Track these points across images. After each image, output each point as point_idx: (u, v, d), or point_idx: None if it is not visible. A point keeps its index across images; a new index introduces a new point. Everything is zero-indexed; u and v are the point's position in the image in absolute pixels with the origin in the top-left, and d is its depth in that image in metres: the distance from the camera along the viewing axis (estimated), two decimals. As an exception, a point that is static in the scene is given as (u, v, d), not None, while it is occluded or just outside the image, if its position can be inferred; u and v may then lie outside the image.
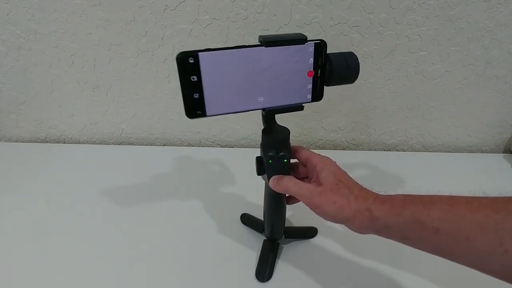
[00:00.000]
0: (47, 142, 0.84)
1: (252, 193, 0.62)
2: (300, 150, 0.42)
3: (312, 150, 0.41)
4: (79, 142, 0.83)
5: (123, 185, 0.66)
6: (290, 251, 0.52)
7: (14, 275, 0.49)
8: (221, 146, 0.82)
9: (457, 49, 0.64)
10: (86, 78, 0.72)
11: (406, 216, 0.32)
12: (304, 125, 0.77)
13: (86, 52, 0.69)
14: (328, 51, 0.36)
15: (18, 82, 0.74)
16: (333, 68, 0.37)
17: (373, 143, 0.80)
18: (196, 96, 0.34)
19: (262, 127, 0.41)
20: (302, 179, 0.40)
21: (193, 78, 0.33)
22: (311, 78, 0.37)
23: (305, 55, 0.35)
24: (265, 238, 0.52)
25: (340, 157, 0.42)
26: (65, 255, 0.52)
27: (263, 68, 0.35)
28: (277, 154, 0.40)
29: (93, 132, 0.82)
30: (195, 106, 0.34)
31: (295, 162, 0.43)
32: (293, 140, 0.40)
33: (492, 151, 0.79)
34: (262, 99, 0.36)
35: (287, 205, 0.47)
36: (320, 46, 0.35)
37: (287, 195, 0.45)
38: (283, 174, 0.40)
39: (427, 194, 0.33)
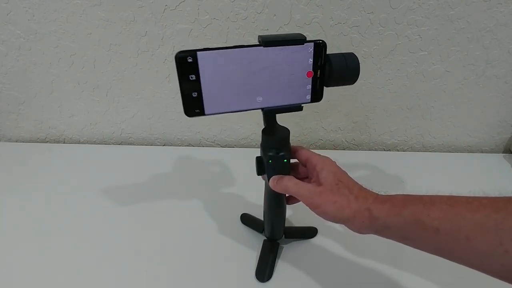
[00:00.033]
0: (47, 142, 0.84)
1: (252, 193, 0.62)
2: (300, 150, 0.42)
3: (312, 150, 0.41)
4: (79, 142, 0.83)
5: (123, 185, 0.66)
6: (290, 251, 0.52)
7: (14, 275, 0.49)
8: (221, 146, 0.82)
9: (457, 49, 0.64)
10: (86, 78, 0.72)
11: (406, 216, 0.32)
12: (304, 125, 0.77)
13: (86, 52, 0.69)
14: (328, 51, 0.36)
15: (18, 82, 0.74)
16: (332, 69, 0.36)
17: (373, 143, 0.80)
18: (194, 95, 0.34)
19: (262, 127, 0.41)
20: (302, 179, 0.40)
21: (191, 77, 0.33)
22: (311, 78, 0.37)
23: (305, 55, 0.35)
24: (265, 238, 0.52)
25: (340, 157, 0.42)
26: (65, 255, 0.52)
27: (261, 68, 0.35)
28: (277, 154, 0.40)
29: (93, 132, 0.82)
30: (193, 105, 0.35)
31: (295, 162, 0.43)
32: (293, 140, 0.40)
33: (492, 151, 0.79)
34: (260, 98, 0.36)
35: (287, 205, 0.47)
36: (320, 46, 0.35)
37: (287, 195, 0.45)
38: (283, 174, 0.40)
39: (427, 194, 0.33)
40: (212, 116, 0.36)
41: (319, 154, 0.40)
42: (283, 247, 0.53)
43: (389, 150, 0.81)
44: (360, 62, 0.37)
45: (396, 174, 0.69)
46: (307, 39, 0.35)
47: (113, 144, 0.83)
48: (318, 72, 0.37)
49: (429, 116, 0.74)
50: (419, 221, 0.31)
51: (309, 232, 0.55)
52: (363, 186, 0.37)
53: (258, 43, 0.34)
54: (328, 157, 0.40)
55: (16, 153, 0.77)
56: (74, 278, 0.48)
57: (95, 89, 0.74)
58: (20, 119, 0.80)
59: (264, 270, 0.48)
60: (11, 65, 0.71)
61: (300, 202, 0.39)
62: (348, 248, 0.52)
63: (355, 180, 0.38)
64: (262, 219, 0.51)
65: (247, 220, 0.57)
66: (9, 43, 0.68)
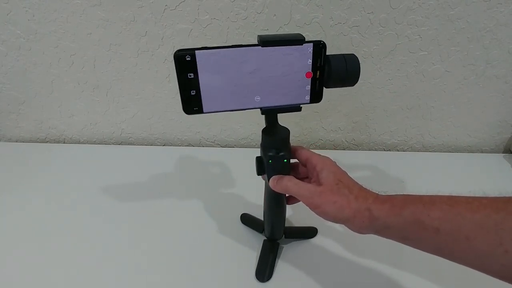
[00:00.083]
0: (47, 142, 0.84)
1: (252, 193, 0.62)
2: (300, 150, 0.42)
3: (312, 150, 0.41)
4: (79, 142, 0.83)
5: (123, 185, 0.66)
6: (290, 251, 0.52)
7: (14, 275, 0.49)
8: (221, 146, 0.82)
9: (457, 49, 0.64)
10: (86, 78, 0.72)
11: (406, 216, 0.32)
12: (304, 125, 0.77)
13: (86, 52, 0.69)
14: (328, 51, 0.36)
15: (18, 82, 0.74)
16: (331, 70, 0.36)
17: (373, 143, 0.80)
18: (193, 93, 0.35)
19: (262, 127, 0.41)
20: (302, 179, 0.40)
21: (190, 75, 0.34)
22: (310, 79, 0.37)
23: (304, 55, 0.35)
24: (265, 238, 0.52)
25: (340, 157, 0.42)
26: (65, 255, 0.52)
27: (259, 68, 0.35)
28: (277, 154, 0.40)
29: (93, 132, 0.82)
30: (192, 103, 0.35)
31: (295, 162, 0.43)
32: (293, 140, 0.40)
33: (492, 151, 0.79)
34: (259, 98, 0.36)
35: (287, 205, 0.47)
36: (319, 47, 0.35)
37: (287, 195, 0.45)
38: (283, 174, 0.40)
39: (427, 194, 0.33)
40: (210, 114, 0.36)
41: (319, 154, 0.40)
42: (283, 247, 0.53)
43: (389, 150, 0.81)
44: (360, 62, 0.37)
45: (396, 174, 0.69)
46: (307, 39, 0.35)
47: (113, 144, 0.83)
48: (318, 73, 0.37)
49: (429, 116, 0.74)
50: (419, 221, 0.31)
51: (309, 232, 0.55)
52: (363, 186, 0.37)
53: (256, 43, 0.34)
54: (328, 157, 0.40)
55: (16, 153, 0.77)
56: (74, 278, 0.48)
57: (95, 89, 0.74)
58: (20, 119, 0.80)
59: (264, 270, 0.48)
60: (11, 65, 0.71)
61: (300, 202, 0.39)
62: (348, 248, 0.52)
63: (355, 180, 0.38)
64: (262, 219, 0.51)
65: (247, 220, 0.57)
66: (9, 43, 0.68)
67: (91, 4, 0.63)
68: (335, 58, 0.36)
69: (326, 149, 0.80)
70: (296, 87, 0.37)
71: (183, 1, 0.61)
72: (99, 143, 0.83)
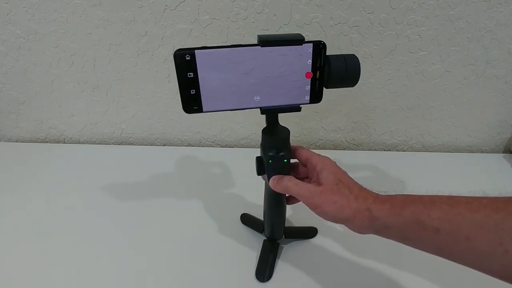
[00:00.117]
0: (47, 142, 0.84)
1: (252, 193, 0.62)
2: (300, 150, 0.42)
3: (312, 150, 0.41)
4: (79, 142, 0.83)
5: (123, 185, 0.66)
6: (290, 251, 0.52)
7: (14, 275, 0.49)
8: (221, 146, 0.82)
9: (457, 49, 0.64)
10: (86, 78, 0.72)
11: (406, 216, 0.32)
12: (304, 125, 0.77)
13: (86, 52, 0.69)
14: (328, 51, 0.36)
15: (18, 82, 0.74)
16: (331, 70, 0.36)
17: (373, 143, 0.80)
18: (192, 92, 0.35)
19: (262, 127, 0.41)
20: (302, 179, 0.40)
21: (189, 75, 0.34)
22: (310, 79, 0.37)
23: (303, 56, 0.35)
24: (265, 238, 0.52)
25: (340, 157, 0.42)
26: (65, 255, 0.52)
27: (259, 68, 0.35)
28: (277, 154, 0.40)
29: (93, 132, 0.82)
30: (191, 102, 0.35)
31: (295, 162, 0.43)
32: (293, 140, 0.40)
33: (492, 151, 0.79)
34: (258, 98, 0.37)
35: (287, 205, 0.47)
36: (319, 47, 0.35)
37: (287, 195, 0.45)
38: (283, 174, 0.40)
39: (427, 194, 0.33)
40: (210, 113, 0.37)
41: (319, 154, 0.40)
42: (283, 247, 0.53)
43: (389, 150, 0.81)
44: (360, 62, 0.37)
45: (396, 174, 0.69)
46: (307, 39, 0.35)
47: (113, 144, 0.83)
48: (318, 73, 0.36)
49: (429, 116, 0.74)
50: (419, 221, 0.31)
51: (309, 232, 0.55)
52: (363, 186, 0.37)
53: (256, 43, 0.34)
54: (328, 157, 0.40)
55: (16, 153, 0.77)
56: (74, 278, 0.48)
57: (95, 89, 0.74)
58: (20, 119, 0.80)
59: (264, 270, 0.48)
60: (11, 65, 0.71)
61: (300, 202, 0.39)
62: (348, 248, 0.52)
63: (355, 180, 0.38)
64: (262, 219, 0.51)
65: (247, 220, 0.57)
66: (9, 43, 0.68)
67: (91, 4, 0.63)
68: (335, 59, 0.36)
69: (326, 149, 0.81)
70: (295, 87, 0.37)
71: (183, 1, 0.61)
72: (99, 143, 0.83)
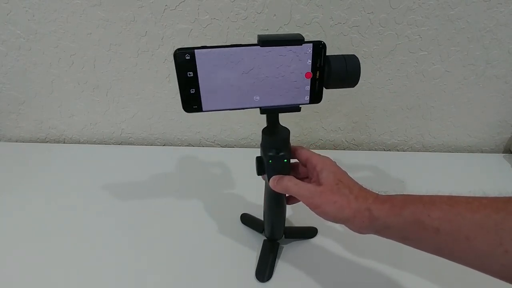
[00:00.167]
0: (47, 142, 0.84)
1: (252, 193, 0.62)
2: (300, 150, 0.42)
3: (312, 150, 0.41)
4: (79, 142, 0.83)
5: (123, 185, 0.66)
6: (290, 251, 0.52)
7: (14, 275, 0.49)
8: (221, 146, 0.82)
9: (457, 49, 0.64)
10: (86, 78, 0.72)
11: (406, 216, 0.32)
12: (304, 125, 0.77)
13: (86, 52, 0.69)
14: (328, 51, 0.36)
15: (18, 82, 0.74)
16: (331, 71, 0.36)
17: (373, 143, 0.80)
18: (192, 91, 0.35)
19: (262, 127, 0.41)
20: (302, 179, 0.40)
21: (189, 74, 0.34)
22: (309, 79, 0.37)
23: (303, 56, 0.35)
24: (265, 238, 0.52)
25: (340, 157, 0.42)
26: (65, 255, 0.52)
27: (258, 68, 0.35)
28: (277, 154, 0.40)
29: (93, 132, 0.82)
30: (191, 101, 0.35)
31: (295, 162, 0.43)
32: (293, 140, 0.40)
33: (492, 151, 0.79)
34: (258, 98, 0.37)
35: (287, 205, 0.47)
36: (319, 47, 0.35)
37: (287, 195, 0.45)
38: (283, 174, 0.40)
39: (427, 194, 0.33)
40: (210, 113, 0.37)
41: (319, 154, 0.40)
42: (283, 247, 0.53)
43: (389, 150, 0.81)
44: (360, 63, 0.37)
45: (396, 174, 0.69)
46: (307, 39, 0.35)
47: (113, 144, 0.83)
48: (317, 73, 0.36)
49: (429, 116, 0.74)
50: (419, 221, 0.31)
51: (309, 232, 0.55)
52: (363, 186, 0.37)
53: (256, 43, 0.34)
54: (328, 157, 0.40)
55: (16, 153, 0.77)
56: (74, 278, 0.48)
57: (95, 89, 0.74)
58: (20, 119, 0.80)
59: (264, 270, 0.48)
60: (11, 65, 0.71)
61: (300, 202, 0.39)
62: (348, 248, 0.52)
63: (355, 180, 0.38)
64: (262, 219, 0.51)
65: (247, 220, 0.57)
66: (9, 43, 0.68)
67: (91, 4, 0.63)
68: (335, 59, 0.36)
69: (326, 149, 0.80)
70: (295, 87, 0.37)
71: (183, 1, 0.61)
72: (99, 143, 0.83)
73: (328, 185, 0.36)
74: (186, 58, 0.33)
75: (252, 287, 0.47)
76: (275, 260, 0.50)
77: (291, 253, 0.52)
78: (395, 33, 0.63)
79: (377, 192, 0.36)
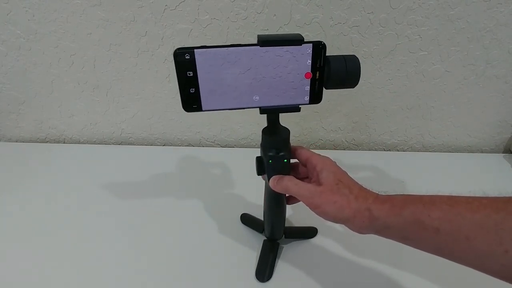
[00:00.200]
0: (47, 142, 0.84)
1: (252, 193, 0.62)
2: (300, 150, 0.42)
3: (312, 150, 0.41)
4: (79, 142, 0.83)
5: (123, 185, 0.66)
6: (290, 251, 0.52)
7: (14, 275, 0.49)
8: (221, 146, 0.82)
9: (457, 49, 0.64)
10: (86, 78, 0.72)
11: (406, 216, 0.32)
12: (304, 125, 0.77)
13: (86, 52, 0.69)
14: (328, 51, 0.36)
15: (18, 82, 0.74)
16: (331, 71, 0.36)
17: (373, 143, 0.80)
18: (192, 90, 0.35)
19: (262, 127, 0.41)
20: (302, 179, 0.40)
21: (189, 74, 0.34)
22: (309, 80, 0.37)
23: (303, 56, 0.35)
24: (265, 238, 0.52)
25: (340, 157, 0.43)
26: (65, 255, 0.52)
27: (258, 68, 0.35)
28: (277, 154, 0.40)
29: (93, 132, 0.82)
30: (191, 100, 0.36)
31: (295, 162, 0.43)
32: (293, 140, 0.40)
33: (492, 151, 0.79)
34: (257, 97, 0.37)
35: (287, 205, 0.47)
36: (319, 47, 0.35)
37: (287, 195, 0.45)
38: (283, 174, 0.40)
39: (427, 194, 0.33)
40: (210, 113, 0.37)
41: (319, 154, 0.40)
42: (283, 247, 0.53)
43: (389, 150, 0.81)
44: (360, 63, 0.36)
45: (396, 174, 0.69)
46: (307, 39, 0.35)
47: (113, 144, 0.83)
48: (317, 74, 0.36)
49: (429, 116, 0.74)
50: (419, 221, 0.31)
51: (309, 232, 0.55)
52: (363, 186, 0.37)
53: (256, 43, 0.34)
54: (328, 157, 0.40)
55: (16, 153, 0.77)
56: (74, 278, 0.48)
57: (95, 89, 0.74)
58: (20, 119, 0.80)
59: (264, 270, 0.48)
60: (11, 65, 0.71)
61: (300, 202, 0.39)
62: (348, 248, 0.52)
63: (355, 180, 0.38)
64: (262, 219, 0.51)
65: (247, 220, 0.57)
66: (9, 43, 0.68)
67: (91, 4, 0.63)
68: (335, 59, 0.36)
69: (326, 149, 0.81)
70: (295, 88, 0.37)
71: (183, 1, 0.61)
72: (99, 143, 0.83)
73: (328, 185, 0.36)
74: (186, 57, 0.33)
75: (252, 287, 0.47)
76: (275, 260, 0.50)
77: (291, 253, 0.52)
78: (395, 33, 0.63)
79: (377, 192, 0.36)
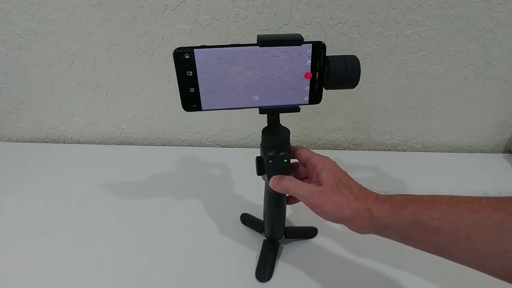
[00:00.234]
0: (47, 142, 0.84)
1: (252, 193, 0.62)
2: (300, 150, 0.42)
3: (312, 150, 0.41)
4: (79, 142, 0.83)
5: (123, 185, 0.66)
6: (290, 251, 0.52)
7: (14, 274, 0.49)
8: (221, 146, 0.82)
9: (457, 49, 0.64)
10: (86, 78, 0.72)
11: (406, 216, 0.32)
12: (304, 125, 0.77)
13: (86, 52, 0.69)
14: (328, 51, 0.36)
15: (18, 82, 0.74)
16: (331, 72, 0.36)
17: (373, 143, 0.80)
18: (191, 90, 0.35)
19: (262, 127, 0.41)
20: (302, 179, 0.40)
21: (188, 73, 0.34)
22: (309, 80, 0.37)
23: (303, 56, 0.35)
24: (265, 238, 0.52)
25: (340, 157, 0.42)
26: (65, 255, 0.52)
27: (257, 68, 0.35)
28: (277, 154, 0.40)
29: (93, 132, 0.82)
30: (191, 100, 0.36)
31: (295, 162, 0.43)
32: (293, 140, 0.40)
33: (492, 151, 0.79)
34: (257, 97, 0.37)
35: (287, 205, 0.47)
36: (319, 48, 0.35)
37: (287, 195, 0.45)
38: (283, 174, 0.40)
39: (427, 194, 0.33)
40: (210, 113, 0.37)
41: (319, 154, 0.40)
42: (283, 247, 0.53)
43: (389, 150, 0.81)
44: (360, 63, 0.36)
45: (396, 174, 0.69)
46: (307, 39, 0.35)
47: (113, 144, 0.83)
48: (317, 74, 0.36)
49: (429, 116, 0.74)
50: (419, 221, 0.31)
51: (309, 232, 0.55)
52: (363, 186, 0.37)
53: (255, 43, 0.34)
54: (328, 157, 0.40)
55: (16, 153, 0.77)
56: (74, 278, 0.48)
57: (95, 89, 0.74)
58: (20, 119, 0.80)
59: (264, 270, 0.48)
60: (11, 65, 0.71)
61: (300, 202, 0.39)
62: (348, 248, 0.52)
63: (355, 180, 0.38)
64: (262, 219, 0.51)
65: (247, 220, 0.57)
66: (9, 43, 0.68)
67: (91, 4, 0.63)
68: (335, 60, 0.36)
69: (326, 149, 0.81)
70: (294, 88, 0.37)
71: (183, 1, 0.61)
72: (99, 143, 0.83)
73: (328, 185, 0.36)
74: (186, 57, 0.33)
75: (252, 287, 0.47)
76: (275, 260, 0.50)
77: (291, 253, 0.52)
78: (395, 33, 0.63)
79: (377, 192, 0.36)
